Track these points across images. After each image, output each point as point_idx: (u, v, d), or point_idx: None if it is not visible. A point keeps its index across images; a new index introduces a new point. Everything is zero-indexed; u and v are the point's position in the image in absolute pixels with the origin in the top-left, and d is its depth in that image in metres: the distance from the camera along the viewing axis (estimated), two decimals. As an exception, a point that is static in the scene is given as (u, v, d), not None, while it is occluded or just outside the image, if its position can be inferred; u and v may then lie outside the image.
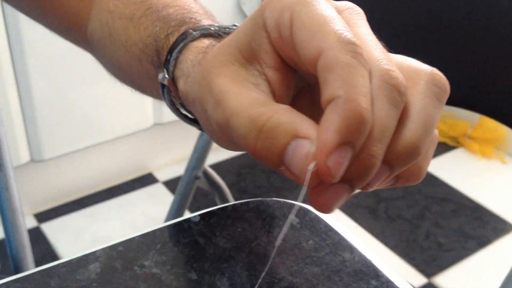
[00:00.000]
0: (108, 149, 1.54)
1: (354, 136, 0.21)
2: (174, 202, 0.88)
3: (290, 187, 1.55)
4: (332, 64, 0.21)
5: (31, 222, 1.44)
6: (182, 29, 0.30)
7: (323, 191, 0.22)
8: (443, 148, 1.74)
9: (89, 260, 0.32)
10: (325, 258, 0.33)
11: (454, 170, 1.66)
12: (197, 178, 0.87)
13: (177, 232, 0.35)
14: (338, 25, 0.22)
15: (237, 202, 0.37)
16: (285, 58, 0.24)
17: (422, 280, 1.24)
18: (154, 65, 0.32)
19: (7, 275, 0.31)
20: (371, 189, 0.24)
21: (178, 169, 1.65)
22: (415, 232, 1.43)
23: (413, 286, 0.32)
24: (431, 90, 0.23)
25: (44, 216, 1.48)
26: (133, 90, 0.37)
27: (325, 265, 0.33)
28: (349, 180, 0.22)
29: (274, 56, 0.24)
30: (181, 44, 0.29)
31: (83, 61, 1.26)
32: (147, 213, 1.51)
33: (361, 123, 0.21)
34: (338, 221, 0.35)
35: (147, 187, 1.61)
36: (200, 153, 0.85)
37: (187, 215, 0.36)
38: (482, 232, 1.44)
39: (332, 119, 0.21)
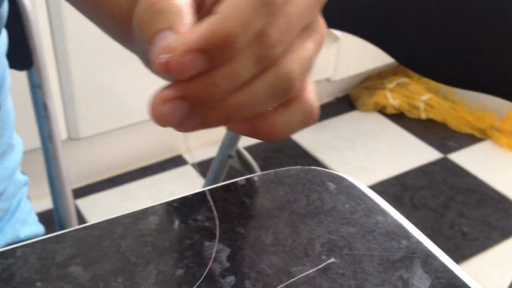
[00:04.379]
0: (140, 130, 1.59)
1: (212, 50, 0.22)
2: (207, 180, 0.92)
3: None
4: None
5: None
6: None
7: (165, 102, 0.23)
8: (470, 140, 1.75)
9: (148, 213, 0.36)
10: (360, 220, 0.36)
11: (481, 162, 1.67)
12: (230, 157, 0.90)
13: (225, 192, 0.38)
14: None
15: (278, 169, 0.40)
16: None
17: (445, 267, 1.27)
18: None
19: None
20: (208, 126, 0.24)
21: (206, 152, 1.69)
22: (440, 221, 1.45)
23: (439, 249, 0.35)
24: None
25: (78, 192, 1.54)
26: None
27: (360, 226, 0.36)
28: (189, 96, 0.23)
29: None
30: None
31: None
32: (176, 192, 1.56)
33: (225, 43, 0.21)
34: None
35: (176, 168, 1.66)
36: (234, 133, 0.89)
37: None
38: (506, 223, 1.45)
39: (204, 27, 0.22)
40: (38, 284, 0.31)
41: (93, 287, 0.31)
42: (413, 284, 0.32)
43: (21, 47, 0.67)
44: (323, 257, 0.34)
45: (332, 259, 0.33)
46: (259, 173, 0.40)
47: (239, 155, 0.92)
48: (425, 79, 1.90)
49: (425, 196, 1.55)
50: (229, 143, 0.90)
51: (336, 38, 1.65)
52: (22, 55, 0.68)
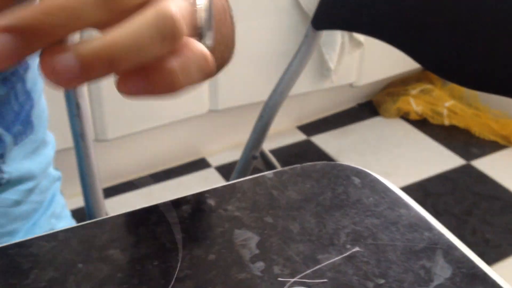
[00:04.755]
0: (165, 133, 1.62)
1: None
2: (231, 179, 0.94)
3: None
4: None
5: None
6: None
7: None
8: (494, 146, 1.74)
9: (181, 202, 0.38)
10: (384, 212, 0.38)
11: (504, 169, 1.66)
12: (254, 158, 0.92)
13: (254, 185, 0.40)
14: None
15: (305, 164, 0.42)
16: None
17: (467, 273, 1.26)
18: None
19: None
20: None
21: (230, 155, 1.71)
22: (462, 228, 1.44)
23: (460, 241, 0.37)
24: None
25: (104, 193, 1.57)
26: None
27: (384, 217, 0.37)
28: (16, 28, 0.20)
29: None
30: None
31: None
32: (200, 195, 1.58)
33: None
34: (396, 182, 0.40)
35: (200, 171, 1.68)
36: (258, 134, 0.91)
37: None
38: (530, 230, 1.45)
39: None
40: (80, 265, 0.33)
41: (130, 269, 0.33)
42: (435, 273, 0.33)
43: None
44: (348, 246, 0.35)
45: (357, 248, 0.35)
46: (286, 167, 0.42)
47: (263, 156, 0.93)
48: (448, 86, 1.90)
49: (448, 203, 1.55)
50: (253, 145, 0.91)
51: (359, 44, 1.66)
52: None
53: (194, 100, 1.57)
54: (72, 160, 0.73)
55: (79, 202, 0.85)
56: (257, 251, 0.35)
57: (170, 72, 0.24)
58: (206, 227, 0.36)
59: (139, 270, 0.33)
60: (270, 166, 0.94)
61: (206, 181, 1.63)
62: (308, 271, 0.33)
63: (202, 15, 0.26)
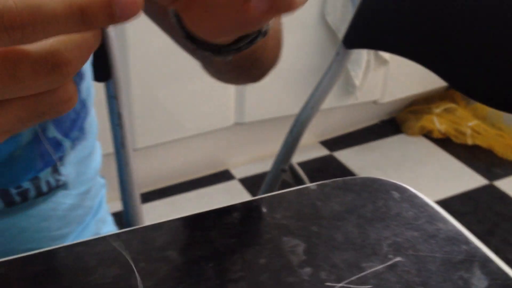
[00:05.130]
0: (191, 144, 1.65)
1: None
2: (261, 191, 0.97)
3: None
4: None
5: (118, 206, 1.58)
6: None
7: None
8: (516, 167, 1.75)
9: (232, 210, 0.41)
10: (423, 225, 0.40)
11: (527, 190, 1.67)
12: (283, 171, 0.95)
13: (299, 196, 0.43)
14: None
15: (346, 177, 0.45)
16: None
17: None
18: None
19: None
20: None
21: (253, 168, 1.74)
22: (483, 247, 1.45)
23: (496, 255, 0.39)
24: None
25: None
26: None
27: (423, 230, 0.40)
28: None
29: None
30: None
31: (175, 60, 1.38)
32: (224, 206, 1.60)
33: None
34: (434, 198, 0.42)
35: (223, 182, 1.71)
36: (288, 148, 0.93)
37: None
38: (552, 252, 1.44)
39: None
40: (142, 264, 0.36)
41: (188, 269, 0.36)
42: (473, 283, 0.35)
43: (102, 60, 0.74)
44: (390, 256, 0.37)
45: (398, 258, 0.37)
46: (329, 180, 0.44)
47: (292, 169, 0.96)
48: (472, 106, 1.91)
49: (470, 222, 1.55)
50: (283, 158, 0.94)
51: (385, 62, 1.69)
52: (102, 68, 0.74)
53: (220, 113, 1.61)
54: (108, 166, 0.77)
55: (114, 207, 0.88)
56: (304, 257, 0.37)
57: None
58: (256, 233, 0.39)
59: (195, 270, 0.36)
60: (298, 179, 0.97)
61: (230, 192, 1.66)
62: (353, 278, 0.35)
63: None
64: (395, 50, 0.80)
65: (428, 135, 1.87)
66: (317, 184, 0.44)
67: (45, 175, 0.51)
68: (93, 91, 0.59)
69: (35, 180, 0.50)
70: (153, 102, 1.49)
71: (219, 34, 0.30)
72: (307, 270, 0.36)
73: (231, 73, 0.46)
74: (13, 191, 0.49)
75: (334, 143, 1.87)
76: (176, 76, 1.46)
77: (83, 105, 0.55)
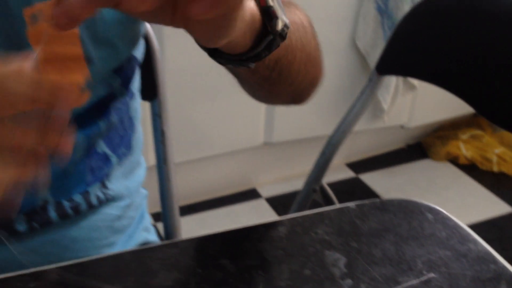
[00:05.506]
0: (219, 161, 1.69)
1: None
2: (292, 210, 1.00)
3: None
4: None
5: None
6: None
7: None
8: (542, 195, 1.75)
9: (278, 225, 0.45)
10: (455, 245, 0.43)
11: (553, 218, 1.66)
12: (314, 191, 0.98)
13: (339, 214, 0.46)
14: None
15: (384, 198, 0.48)
16: None
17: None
18: None
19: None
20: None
21: (280, 187, 1.77)
22: (508, 274, 1.45)
23: (523, 277, 0.42)
24: None
25: (158, 217, 1.65)
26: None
27: (454, 250, 0.43)
28: None
29: None
30: None
31: (208, 80, 1.43)
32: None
33: None
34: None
35: (250, 201, 1.74)
36: (319, 169, 0.97)
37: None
38: None
39: None
40: (199, 270, 0.40)
41: (240, 276, 0.40)
42: (502, 300, 0.38)
43: (148, 80, 0.78)
44: (424, 272, 0.41)
45: (432, 274, 0.40)
46: (367, 200, 0.48)
47: (322, 190, 0.99)
48: (499, 133, 1.92)
49: (495, 249, 1.56)
50: (314, 178, 0.98)
51: (413, 87, 1.72)
52: (148, 87, 0.79)
53: (250, 132, 1.65)
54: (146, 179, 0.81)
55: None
56: (345, 270, 0.41)
57: None
58: (301, 246, 0.43)
59: (246, 278, 0.40)
60: (328, 200, 1.00)
61: (256, 211, 1.69)
62: (391, 290, 0.39)
63: None
64: (425, 77, 0.84)
65: (454, 160, 1.89)
66: (356, 204, 0.47)
67: (94, 189, 0.54)
68: (140, 109, 0.64)
69: (85, 194, 0.54)
70: (185, 120, 1.54)
71: (208, 39, 0.32)
72: (348, 281, 0.40)
73: (263, 88, 0.48)
74: (66, 204, 0.52)
75: (361, 166, 1.89)
76: (207, 95, 1.50)
77: (131, 122, 0.59)
